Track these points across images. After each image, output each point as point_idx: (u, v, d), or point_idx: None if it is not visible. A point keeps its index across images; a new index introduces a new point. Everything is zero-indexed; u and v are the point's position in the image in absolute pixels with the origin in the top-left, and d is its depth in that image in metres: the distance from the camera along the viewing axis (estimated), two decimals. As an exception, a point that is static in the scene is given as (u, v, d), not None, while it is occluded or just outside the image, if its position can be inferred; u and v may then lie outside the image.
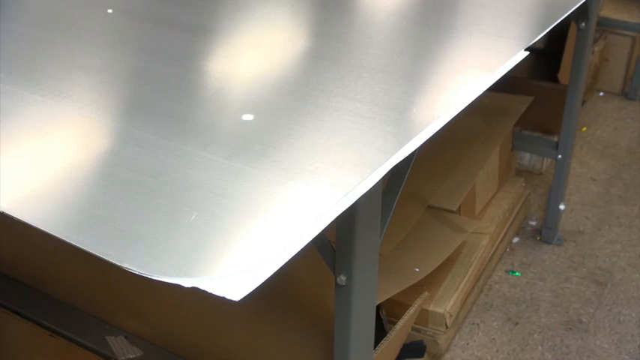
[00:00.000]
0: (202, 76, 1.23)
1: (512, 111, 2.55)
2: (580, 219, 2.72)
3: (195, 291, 0.70)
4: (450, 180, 2.22)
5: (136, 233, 0.78)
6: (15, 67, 1.23)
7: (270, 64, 1.27)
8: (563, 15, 1.46)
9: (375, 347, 1.40)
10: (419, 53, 1.31)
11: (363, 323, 1.20)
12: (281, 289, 1.52)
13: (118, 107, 1.11)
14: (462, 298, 2.09)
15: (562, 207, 2.50)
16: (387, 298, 1.64)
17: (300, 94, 1.13)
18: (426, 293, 1.80)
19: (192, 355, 1.47)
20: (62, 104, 1.09)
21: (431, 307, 1.97)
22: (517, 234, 2.61)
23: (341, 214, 0.82)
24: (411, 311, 1.65)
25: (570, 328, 2.19)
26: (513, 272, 2.43)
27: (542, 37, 1.37)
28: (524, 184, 2.67)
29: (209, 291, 0.69)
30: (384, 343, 1.52)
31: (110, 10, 1.51)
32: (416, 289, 1.81)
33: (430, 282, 1.95)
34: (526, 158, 2.99)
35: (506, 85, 1.66)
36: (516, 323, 2.21)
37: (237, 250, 0.76)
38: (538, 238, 2.59)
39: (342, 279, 1.12)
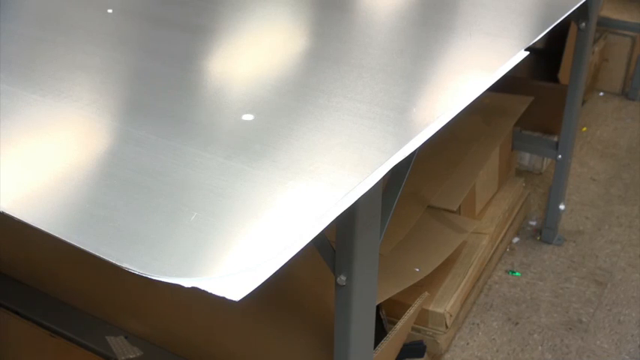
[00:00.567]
0: (202, 76, 1.23)
1: (512, 111, 2.55)
2: (580, 219, 2.72)
3: (195, 291, 0.70)
4: (450, 180, 2.22)
5: (136, 233, 0.78)
6: (15, 67, 1.23)
7: (270, 64, 1.27)
8: (563, 15, 1.46)
9: (375, 347, 1.40)
10: (419, 53, 1.31)
11: (363, 323, 1.20)
12: (281, 289, 1.52)
13: (118, 107, 1.11)
14: (462, 298, 2.09)
15: (562, 207, 2.50)
16: (387, 298, 1.64)
17: (300, 94, 1.13)
18: (426, 293, 1.80)
19: (192, 355, 1.47)
20: (62, 104, 1.09)
21: (431, 307, 1.97)
22: (517, 234, 2.61)
23: (341, 214, 0.82)
24: (411, 311, 1.65)
25: (570, 328, 2.19)
26: (513, 272, 2.43)
27: (542, 37, 1.37)
28: (524, 184, 2.67)
29: (209, 291, 0.69)
30: (384, 343, 1.52)
31: (110, 10, 1.51)
32: (416, 289, 1.81)
33: (430, 282, 1.95)
34: (526, 158, 2.99)
35: (506, 85, 1.66)
36: (516, 323, 2.21)
37: (237, 250, 0.76)
38: (538, 238, 2.59)
39: (342, 279, 1.12)
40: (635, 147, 3.23)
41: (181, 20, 1.47)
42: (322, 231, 0.79)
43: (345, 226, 1.07)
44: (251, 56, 1.31)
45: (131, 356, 1.47)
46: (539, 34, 1.36)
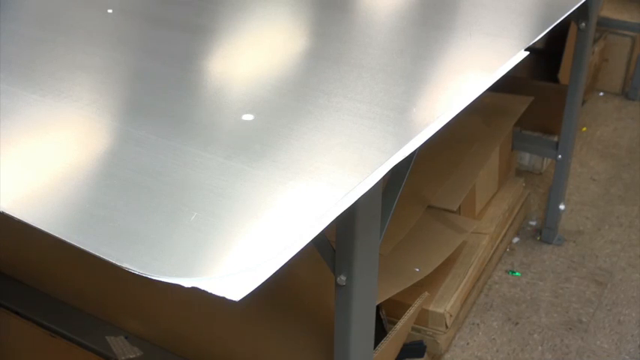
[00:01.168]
0: (202, 76, 1.23)
1: (512, 111, 2.55)
2: (580, 219, 2.72)
3: (195, 291, 0.70)
4: (450, 180, 2.21)
5: (136, 233, 0.78)
6: (15, 67, 1.23)
7: (270, 64, 1.27)
8: (563, 15, 1.46)
9: (375, 347, 1.40)
10: (419, 53, 1.31)
11: (363, 323, 1.20)
12: (281, 289, 1.52)
13: (118, 107, 1.11)
14: (462, 298, 2.09)
15: (562, 207, 2.50)
16: (387, 298, 1.64)
17: (300, 94, 1.13)
18: (426, 293, 1.80)
19: (192, 355, 1.47)
20: (62, 104, 1.09)
21: (431, 307, 1.97)
22: (517, 234, 2.61)
23: (341, 214, 0.82)
24: (411, 311, 1.65)
25: (570, 328, 2.19)
26: (513, 272, 2.43)
27: (542, 37, 1.37)
28: (524, 184, 2.67)
29: (209, 291, 0.69)
30: (384, 343, 1.52)
31: (110, 10, 1.51)
32: (416, 289, 1.81)
33: (430, 282, 1.95)
34: (526, 158, 2.99)
35: (506, 85, 1.66)
36: (516, 323, 2.21)
37: (237, 250, 0.76)
38: (538, 238, 2.59)
39: (342, 279, 1.12)
40: (635, 147, 3.23)
41: (181, 20, 1.47)
42: (322, 231, 0.79)
43: (345, 226, 1.07)
44: (251, 56, 1.31)
45: (131, 356, 1.47)
46: (539, 34, 1.36)
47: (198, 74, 1.23)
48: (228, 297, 0.69)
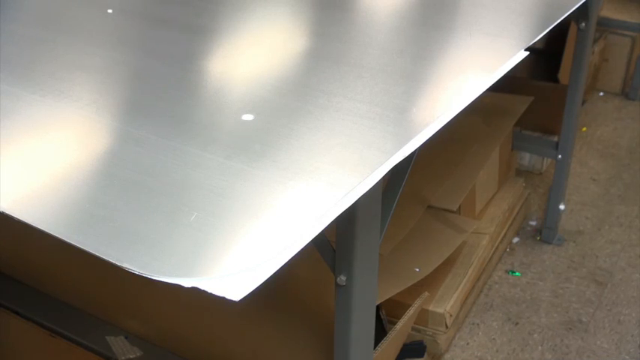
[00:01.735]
0: (202, 76, 1.23)
1: (512, 111, 2.55)
2: (580, 219, 2.72)
3: (195, 291, 0.70)
4: (450, 180, 2.21)
5: (136, 233, 0.78)
6: (15, 67, 1.23)
7: (270, 64, 1.27)
8: (563, 15, 1.46)
9: (375, 347, 1.40)
10: (419, 53, 1.31)
11: (363, 323, 1.20)
12: (281, 289, 1.52)
13: (118, 107, 1.11)
14: (462, 298, 2.09)
15: (562, 207, 2.50)
16: (387, 298, 1.64)
17: (300, 94, 1.13)
18: (426, 293, 1.80)
19: (192, 355, 1.47)
20: (62, 104, 1.09)
21: (431, 307, 1.97)
22: (517, 234, 2.61)
23: (341, 214, 0.82)
24: (411, 311, 1.65)
25: (570, 328, 2.19)
26: (513, 272, 2.43)
27: (542, 37, 1.37)
28: (524, 184, 2.67)
29: (209, 291, 0.69)
30: (384, 343, 1.52)
31: (110, 10, 1.51)
32: (416, 289, 1.81)
33: (430, 282, 1.95)
34: (526, 158, 2.99)
35: (506, 85, 1.66)
36: (516, 323, 2.21)
37: (237, 250, 0.76)
38: (538, 238, 2.59)
39: (342, 279, 1.12)
40: (635, 147, 3.23)
41: (181, 20, 1.47)
42: (322, 231, 0.79)
43: (345, 226, 1.07)
44: (251, 56, 1.31)
45: (131, 356, 1.47)
46: (539, 34, 1.36)
47: (198, 74, 1.23)
48: (228, 297, 0.69)
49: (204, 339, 1.50)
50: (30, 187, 0.88)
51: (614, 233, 2.64)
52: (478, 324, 2.21)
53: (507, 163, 2.60)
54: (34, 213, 0.82)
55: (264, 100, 1.11)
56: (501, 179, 2.53)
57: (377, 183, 0.88)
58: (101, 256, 0.74)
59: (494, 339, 2.15)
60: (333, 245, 1.10)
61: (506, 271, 2.43)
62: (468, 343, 2.13)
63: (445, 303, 1.99)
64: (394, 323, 1.61)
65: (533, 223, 2.68)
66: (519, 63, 1.24)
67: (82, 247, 0.76)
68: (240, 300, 0.68)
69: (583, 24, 2.09)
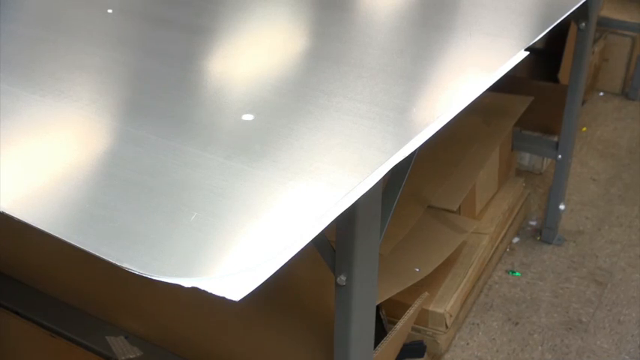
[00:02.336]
0: (202, 76, 1.23)
1: (512, 111, 2.55)
2: (580, 219, 2.72)
3: (195, 291, 0.70)
4: (450, 180, 2.22)
5: (136, 233, 0.78)
6: (15, 67, 1.23)
7: (270, 64, 1.27)
8: (563, 15, 1.46)
9: (375, 347, 1.40)
10: (419, 53, 1.31)
11: (363, 323, 1.20)
12: (281, 289, 1.52)
13: (117, 107, 1.11)
14: (462, 298, 2.09)
15: (562, 207, 2.50)
16: (387, 298, 1.64)
17: (300, 94, 1.13)
18: (426, 293, 1.80)
19: (192, 355, 1.47)
20: (62, 104, 1.09)
21: (431, 307, 1.97)
22: (517, 234, 2.61)
23: (341, 214, 0.82)
24: (411, 311, 1.65)
25: (570, 328, 2.19)
26: (513, 272, 2.43)
27: (542, 37, 1.37)
28: (524, 184, 2.67)
29: (209, 291, 0.69)
30: (384, 343, 1.52)
31: (110, 10, 1.51)
32: (416, 289, 1.81)
33: (430, 282, 1.95)
34: (526, 158, 2.99)
35: (506, 85, 1.66)
36: (516, 323, 2.21)
37: (237, 250, 0.76)
38: (538, 238, 2.59)
39: (342, 279, 1.12)
40: (635, 147, 3.23)
41: (181, 20, 1.47)
42: (322, 231, 0.79)
43: (345, 226, 1.07)
44: (251, 56, 1.31)
45: (131, 356, 1.47)
46: (539, 34, 1.36)
47: (198, 74, 1.23)
48: (228, 297, 0.69)
49: (204, 339, 1.50)
50: (30, 187, 0.88)
51: (614, 233, 2.64)
52: (478, 324, 2.21)
53: (507, 163, 2.60)
54: (34, 213, 0.82)
55: (264, 100, 1.11)
56: (501, 179, 2.53)
57: (377, 183, 0.88)
58: (101, 256, 0.74)
59: (494, 339, 2.15)
60: (333, 245, 1.10)
61: (506, 271, 2.43)
62: (467, 343, 2.13)
63: (445, 303, 1.99)
64: (394, 323, 1.61)
65: (533, 223, 2.68)
66: (519, 63, 1.24)
67: (82, 247, 0.76)
68: (240, 300, 0.68)
69: (583, 24, 2.09)
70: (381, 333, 1.51)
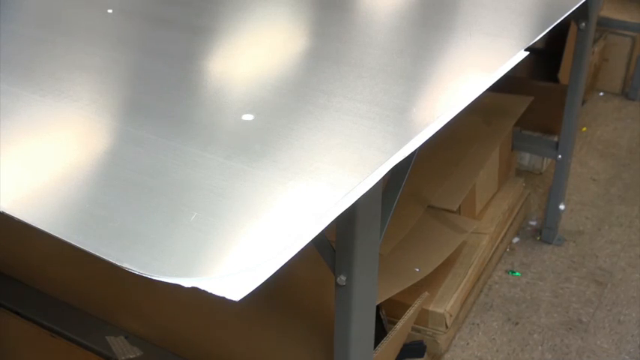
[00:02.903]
0: (202, 76, 1.23)
1: (512, 111, 2.55)
2: (580, 219, 2.72)
3: (195, 291, 0.70)
4: (450, 180, 2.22)
5: (136, 233, 0.78)
6: (15, 67, 1.23)
7: (270, 64, 1.27)
8: (563, 15, 1.46)
9: (375, 347, 1.40)
10: (419, 53, 1.31)
11: (363, 323, 1.20)
12: (281, 289, 1.52)
13: (117, 107, 1.11)
14: (462, 298, 2.09)
15: (562, 207, 2.50)
16: (387, 298, 1.64)
17: (300, 94, 1.13)
18: (426, 293, 1.80)
19: (192, 355, 1.47)
20: (62, 104, 1.09)
21: (431, 307, 1.97)
22: (517, 234, 2.61)
23: (341, 214, 0.82)
24: (411, 311, 1.65)
25: (570, 328, 2.19)
26: (513, 272, 2.43)
27: (542, 37, 1.37)
28: (524, 184, 2.67)
29: (209, 291, 0.69)
30: (384, 343, 1.52)
31: (110, 10, 1.51)
32: (416, 289, 1.81)
33: (430, 282, 1.95)
34: (526, 158, 2.99)
35: (506, 85, 1.66)
36: (516, 323, 2.21)
37: (237, 250, 0.76)
38: (538, 238, 2.59)
39: (342, 279, 1.12)
40: (635, 147, 3.23)
41: (181, 20, 1.47)
42: (322, 231, 0.79)
43: (345, 226, 1.07)
44: (251, 56, 1.31)
45: (131, 356, 1.47)
46: (539, 34, 1.36)
47: (198, 74, 1.23)
48: (228, 297, 0.69)
49: (204, 339, 1.50)
50: (30, 187, 0.88)
51: (614, 233, 2.64)
52: (478, 324, 2.21)
53: (507, 163, 2.60)
54: (34, 213, 0.82)
55: (264, 100, 1.11)
56: (501, 179, 2.53)
57: (377, 183, 0.88)
58: (101, 256, 0.74)
59: (494, 339, 2.15)
60: (333, 245, 1.10)
61: (506, 271, 2.44)
62: (467, 343, 2.13)
63: (445, 303, 1.99)
64: (394, 323, 1.61)
65: (533, 223, 2.68)
66: (519, 63, 1.24)
67: (82, 247, 0.76)
68: (240, 300, 0.68)
69: (583, 24, 2.09)
70: (381, 333, 1.51)
